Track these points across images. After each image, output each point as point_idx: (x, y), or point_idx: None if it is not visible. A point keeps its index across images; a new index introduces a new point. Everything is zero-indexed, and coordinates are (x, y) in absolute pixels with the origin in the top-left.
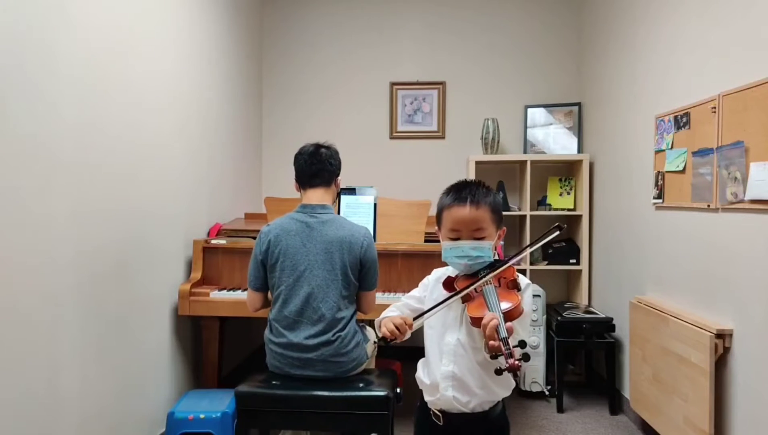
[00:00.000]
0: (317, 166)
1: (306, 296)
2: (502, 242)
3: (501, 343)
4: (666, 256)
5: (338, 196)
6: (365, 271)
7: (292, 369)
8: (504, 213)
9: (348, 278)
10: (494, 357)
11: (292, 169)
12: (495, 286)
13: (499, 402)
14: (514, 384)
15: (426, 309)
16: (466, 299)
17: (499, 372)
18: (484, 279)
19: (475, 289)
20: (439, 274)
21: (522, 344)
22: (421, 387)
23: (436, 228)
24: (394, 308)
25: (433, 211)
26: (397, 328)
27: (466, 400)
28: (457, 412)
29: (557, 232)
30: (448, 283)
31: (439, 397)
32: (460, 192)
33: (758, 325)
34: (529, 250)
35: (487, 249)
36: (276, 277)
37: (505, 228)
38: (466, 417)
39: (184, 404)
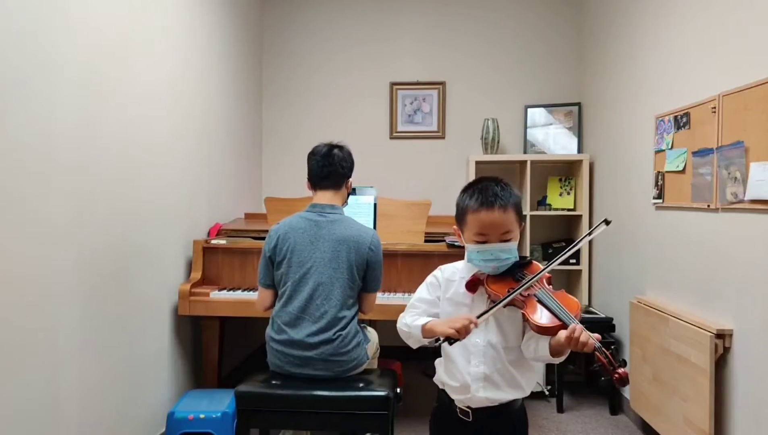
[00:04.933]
0: (328, 169)
1: (310, 293)
2: None
3: (599, 354)
4: (666, 256)
5: (349, 196)
6: (370, 273)
7: (292, 367)
8: None
9: (353, 277)
10: (594, 371)
11: (292, 169)
12: (544, 288)
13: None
14: (537, 379)
15: (486, 309)
16: (510, 304)
17: (605, 383)
18: (529, 282)
19: (521, 293)
20: (449, 272)
21: (613, 350)
22: (443, 387)
23: (455, 227)
24: (414, 313)
25: (433, 212)
26: (464, 327)
27: (498, 398)
28: (485, 407)
29: (604, 226)
30: (474, 284)
31: (470, 397)
32: (485, 194)
33: (758, 325)
34: (580, 244)
35: (515, 250)
36: (282, 273)
37: (523, 223)
38: (494, 409)
39: (184, 404)
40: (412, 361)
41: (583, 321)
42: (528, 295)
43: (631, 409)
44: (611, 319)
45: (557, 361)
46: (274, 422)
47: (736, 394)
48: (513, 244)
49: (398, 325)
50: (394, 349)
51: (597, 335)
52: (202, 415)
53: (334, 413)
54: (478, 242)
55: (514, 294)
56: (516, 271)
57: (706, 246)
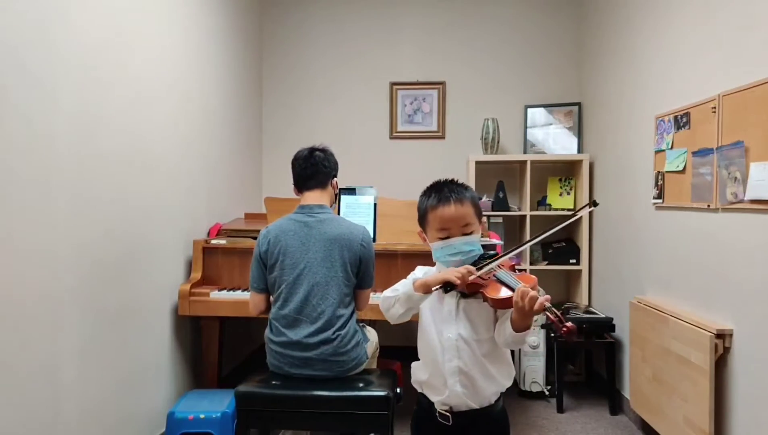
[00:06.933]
0: (312, 170)
1: (306, 294)
2: (501, 242)
3: (549, 313)
4: (666, 256)
5: (337, 197)
6: (363, 269)
7: (291, 368)
8: (504, 213)
9: (348, 275)
10: (546, 326)
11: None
12: (505, 271)
13: (501, 396)
14: (514, 373)
15: (484, 265)
16: (473, 289)
17: (557, 337)
18: (492, 265)
19: (481, 276)
20: (423, 273)
21: (563, 310)
22: (421, 390)
23: (419, 231)
24: (398, 286)
25: None
26: (462, 275)
27: (474, 394)
28: (466, 409)
29: (591, 208)
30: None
31: (447, 395)
32: (441, 192)
33: (758, 325)
34: (553, 230)
35: (477, 242)
36: (276, 276)
37: (484, 219)
38: (474, 413)
39: (184, 404)
40: (412, 361)
41: (583, 320)
42: (488, 277)
43: (631, 409)
44: (611, 319)
45: (525, 336)
46: (274, 422)
47: (736, 394)
48: (475, 237)
49: (381, 297)
50: (394, 349)
51: (547, 296)
52: (202, 415)
53: (334, 413)
54: (441, 238)
55: (495, 263)
56: (480, 263)
57: (705, 246)
